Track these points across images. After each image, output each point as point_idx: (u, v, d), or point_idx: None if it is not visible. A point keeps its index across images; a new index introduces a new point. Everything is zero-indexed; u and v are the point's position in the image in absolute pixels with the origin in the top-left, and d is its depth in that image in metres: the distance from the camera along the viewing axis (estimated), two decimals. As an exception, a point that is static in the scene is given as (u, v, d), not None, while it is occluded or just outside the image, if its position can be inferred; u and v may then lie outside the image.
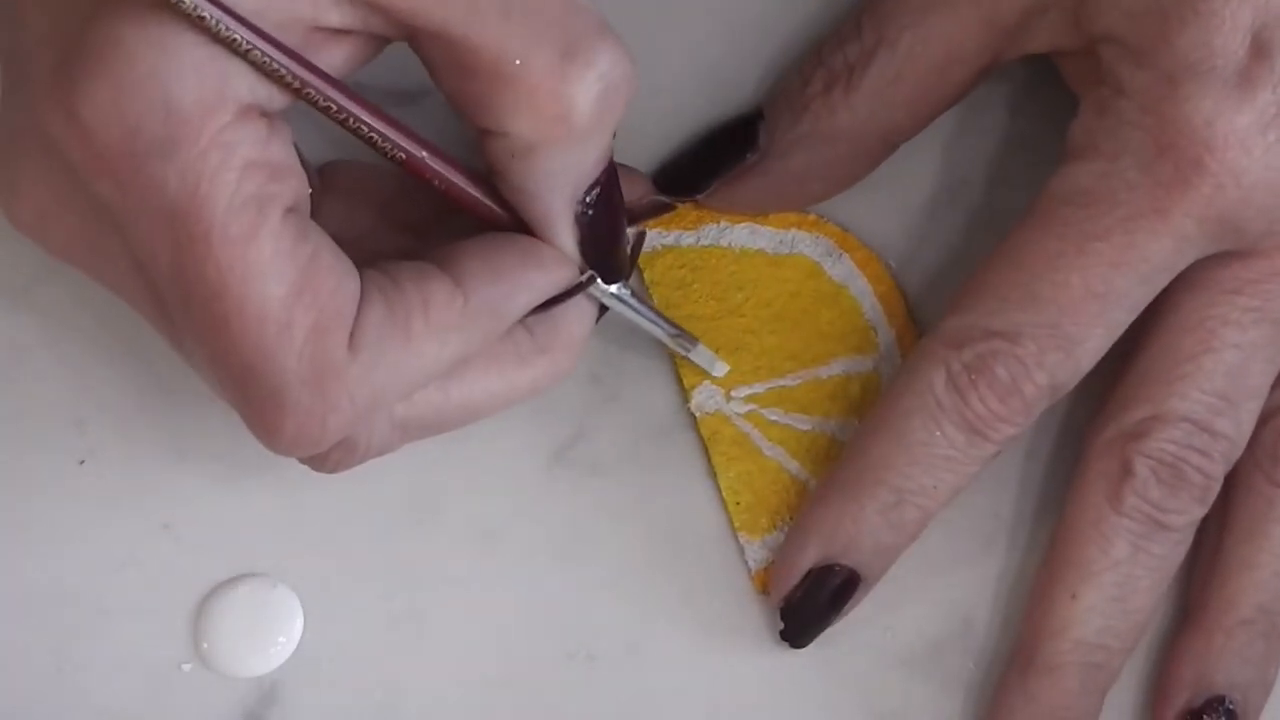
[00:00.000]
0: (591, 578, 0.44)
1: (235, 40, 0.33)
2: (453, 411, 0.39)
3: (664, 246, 0.42)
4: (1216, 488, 0.42)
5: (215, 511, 0.43)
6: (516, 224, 0.39)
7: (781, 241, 0.45)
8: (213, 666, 0.43)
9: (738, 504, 0.44)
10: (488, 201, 0.38)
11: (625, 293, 0.41)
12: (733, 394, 0.45)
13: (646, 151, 0.45)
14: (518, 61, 0.35)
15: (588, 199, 0.38)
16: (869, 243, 0.45)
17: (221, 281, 0.34)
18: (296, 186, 0.35)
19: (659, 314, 0.43)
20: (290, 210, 0.35)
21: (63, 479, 0.43)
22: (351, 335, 0.35)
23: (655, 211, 0.44)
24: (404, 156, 0.37)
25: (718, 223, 0.45)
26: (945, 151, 0.46)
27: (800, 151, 0.43)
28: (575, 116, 0.36)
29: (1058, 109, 0.42)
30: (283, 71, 0.34)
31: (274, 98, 0.34)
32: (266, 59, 0.33)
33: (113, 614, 0.43)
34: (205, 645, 0.43)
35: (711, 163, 0.44)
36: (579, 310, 0.40)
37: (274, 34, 0.34)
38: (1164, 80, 0.39)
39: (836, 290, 0.45)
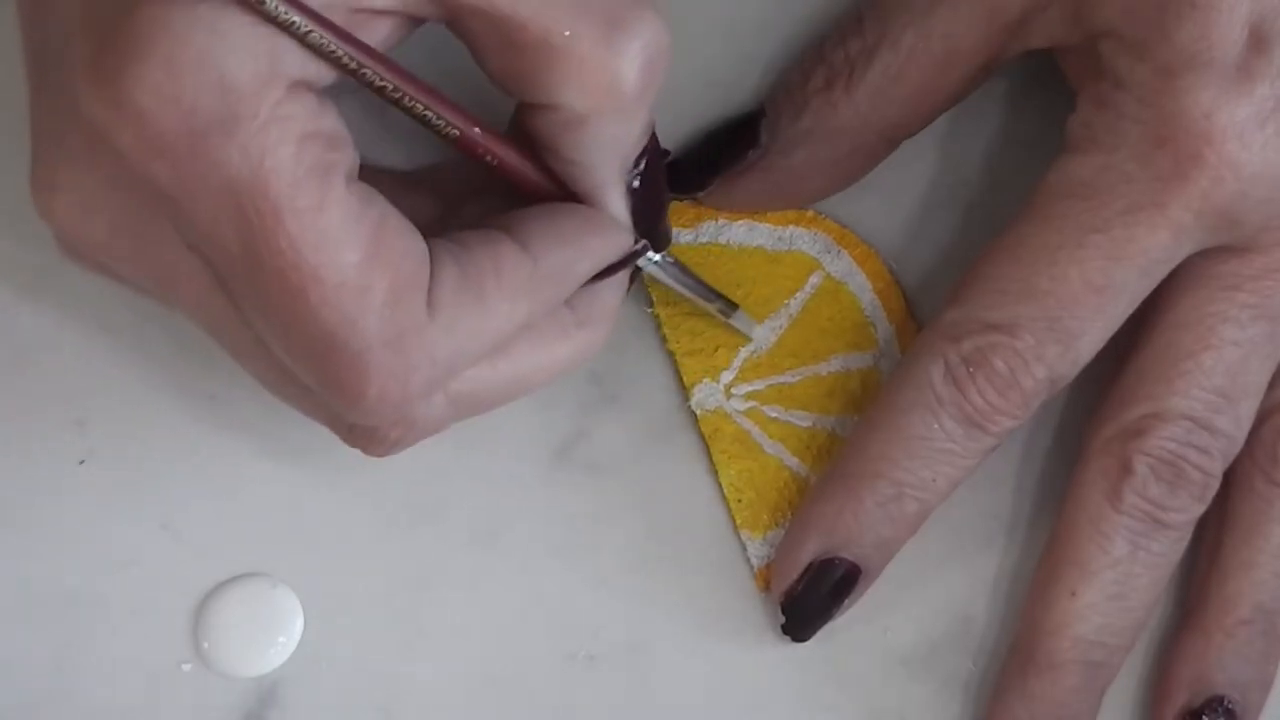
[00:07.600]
0: (592, 577, 0.44)
1: (294, 24, 0.33)
2: (501, 386, 0.39)
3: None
4: (1215, 485, 0.42)
5: (215, 511, 0.43)
6: (564, 197, 0.39)
7: (780, 238, 0.45)
8: (213, 666, 0.43)
9: (739, 501, 0.44)
10: (538, 175, 0.38)
11: (670, 260, 0.42)
12: (733, 391, 0.45)
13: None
14: (567, 33, 0.35)
15: (637, 169, 0.39)
16: (867, 239, 0.45)
17: (295, 252, 0.34)
18: (351, 155, 0.35)
19: (701, 280, 0.43)
20: (350, 178, 0.35)
21: (63, 479, 0.43)
22: (428, 296, 0.36)
23: None
24: (458, 133, 0.37)
25: (716, 220, 0.45)
26: (944, 149, 0.46)
27: (801, 148, 0.43)
28: (624, 86, 0.36)
29: (1056, 108, 0.42)
30: (339, 53, 0.34)
31: (321, 74, 0.34)
32: (324, 41, 0.33)
33: (113, 614, 0.43)
34: (205, 645, 0.43)
35: (713, 160, 0.44)
36: (615, 283, 0.40)
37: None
38: (1162, 73, 0.39)
39: (835, 287, 0.45)
